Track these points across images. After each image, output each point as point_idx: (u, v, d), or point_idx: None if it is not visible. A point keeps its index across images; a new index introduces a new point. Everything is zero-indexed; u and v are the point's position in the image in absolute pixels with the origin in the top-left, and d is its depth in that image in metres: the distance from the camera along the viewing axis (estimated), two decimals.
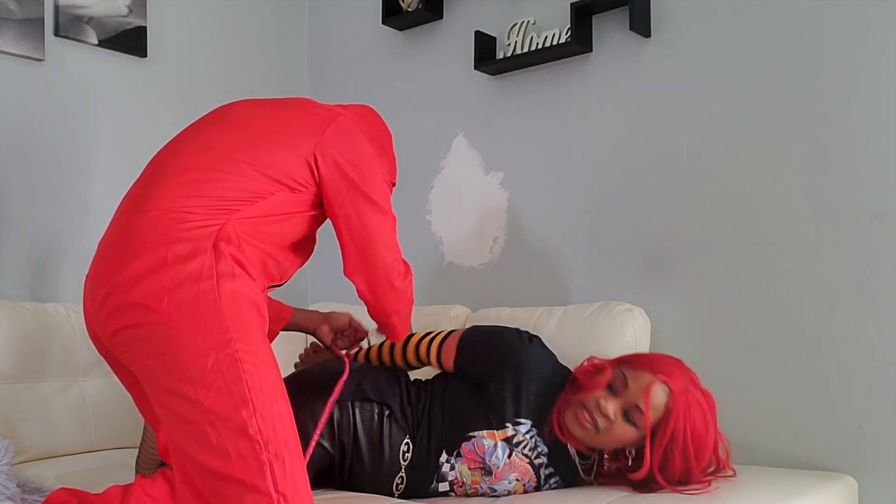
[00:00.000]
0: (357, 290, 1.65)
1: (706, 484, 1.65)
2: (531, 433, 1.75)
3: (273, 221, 1.51)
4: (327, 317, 1.96)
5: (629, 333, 2.15)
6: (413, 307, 1.76)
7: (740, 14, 2.17)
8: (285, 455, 1.33)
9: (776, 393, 2.06)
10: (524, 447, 1.74)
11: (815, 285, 2.03)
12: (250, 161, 1.49)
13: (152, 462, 1.85)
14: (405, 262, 1.68)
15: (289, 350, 2.65)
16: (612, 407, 1.63)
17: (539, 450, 1.76)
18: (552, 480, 1.77)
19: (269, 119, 1.59)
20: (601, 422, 1.63)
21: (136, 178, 1.59)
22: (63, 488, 1.64)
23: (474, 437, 1.74)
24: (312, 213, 1.60)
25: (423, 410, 1.79)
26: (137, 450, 1.91)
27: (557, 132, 2.51)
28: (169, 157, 1.54)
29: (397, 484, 1.77)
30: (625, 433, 1.64)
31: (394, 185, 1.77)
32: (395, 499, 1.75)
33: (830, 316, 2.00)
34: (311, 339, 2.18)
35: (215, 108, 1.68)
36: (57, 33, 2.54)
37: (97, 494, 1.60)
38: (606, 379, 1.66)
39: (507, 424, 1.74)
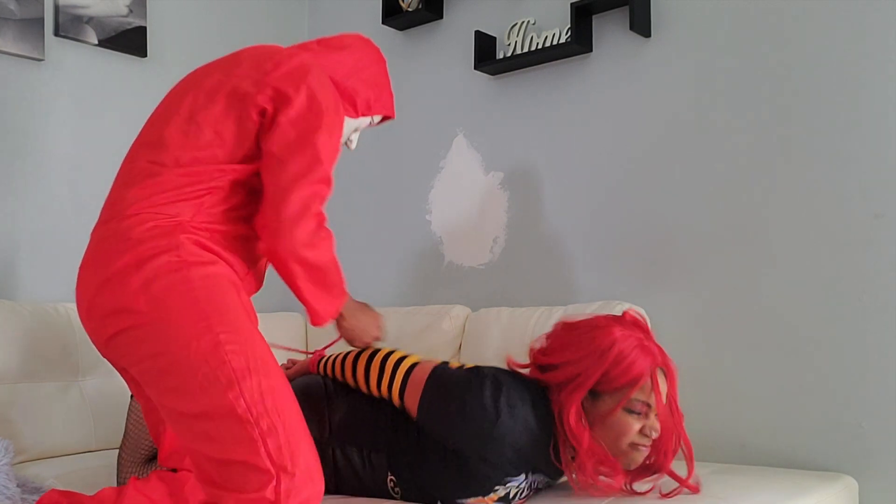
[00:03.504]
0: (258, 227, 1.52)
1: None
2: (528, 480, 1.68)
3: (240, 205, 1.50)
4: None
5: None
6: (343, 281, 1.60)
7: (740, 14, 2.17)
8: (278, 426, 1.34)
9: (776, 393, 2.06)
10: (522, 493, 1.69)
11: (816, 285, 2.02)
12: (191, 155, 1.46)
13: (136, 458, 1.84)
14: (323, 223, 1.54)
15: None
16: (655, 424, 1.61)
17: (543, 482, 1.72)
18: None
19: (207, 97, 1.51)
20: (654, 436, 1.62)
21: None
22: (55, 490, 1.64)
23: (462, 503, 1.66)
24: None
25: (404, 459, 1.70)
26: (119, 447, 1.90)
27: (557, 132, 2.51)
28: (128, 161, 1.54)
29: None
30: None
31: (389, 117, 1.71)
32: (396, 500, 1.75)
33: (831, 315, 2.00)
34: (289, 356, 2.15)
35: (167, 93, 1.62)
36: (57, 33, 2.54)
37: (90, 496, 1.60)
38: (630, 414, 1.61)
39: (497, 488, 1.65)
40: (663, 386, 1.62)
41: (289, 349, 2.02)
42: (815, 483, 1.83)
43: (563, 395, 1.62)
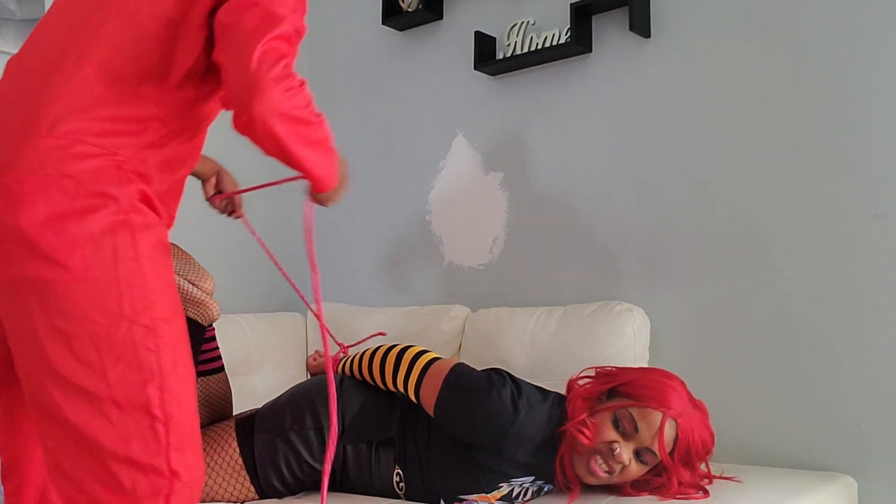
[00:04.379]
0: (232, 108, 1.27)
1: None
2: (535, 484, 1.70)
3: (167, 136, 1.29)
4: (220, 172, 1.77)
5: (629, 333, 2.15)
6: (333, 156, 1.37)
7: (740, 14, 2.17)
8: (184, 432, 1.22)
9: (776, 393, 2.06)
10: (525, 494, 1.70)
11: (815, 285, 2.03)
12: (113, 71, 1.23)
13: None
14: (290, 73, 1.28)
15: (290, 356, 2.66)
16: (626, 453, 1.59)
17: (545, 490, 1.72)
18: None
19: None
20: (617, 468, 1.60)
21: None
22: None
23: (465, 500, 1.67)
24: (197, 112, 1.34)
25: (413, 453, 1.73)
26: None
27: (557, 132, 2.51)
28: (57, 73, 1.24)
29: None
30: (637, 472, 1.63)
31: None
32: (395, 499, 1.75)
33: (830, 316, 2.00)
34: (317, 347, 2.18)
35: None
36: None
37: None
38: (614, 423, 1.62)
39: (502, 485, 1.68)
40: (670, 435, 1.60)
41: (331, 335, 2.05)
42: (814, 483, 1.83)
43: (592, 383, 1.71)
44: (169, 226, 1.35)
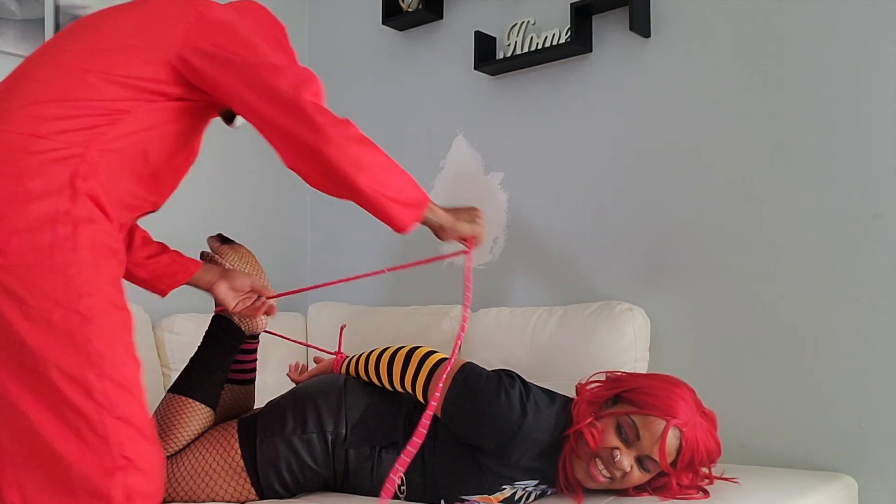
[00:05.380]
0: (305, 177, 1.44)
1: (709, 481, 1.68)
2: (538, 488, 1.69)
3: (137, 143, 1.37)
4: (226, 274, 1.79)
5: (629, 333, 2.15)
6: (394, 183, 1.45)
7: (740, 14, 2.17)
8: (132, 418, 1.25)
9: (776, 393, 2.07)
10: (528, 497, 1.69)
11: (815, 285, 2.03)
12: (100, 71, 1.34)
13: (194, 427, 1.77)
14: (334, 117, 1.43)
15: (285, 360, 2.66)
16: (626, 460, 1.57)
17: (548, 493, 1.72)
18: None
19: (120, 23, 1.42)
20: (617, 474, 1.59)
21: None
22: None
23: (467, 500, 1.67)
24: (180, 123, 1.45)
25: (417, 455, 1.67)
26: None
27: (557, 132, 2.51)
28: (23, 80, 1.37)
29: None
30: (639, 479, 1.61)
31: None
32: (395, 500, 1.75)
33: (830, 316, 2.00)
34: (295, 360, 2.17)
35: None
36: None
37: None
38: (617, 430, 1.60)
39: (505, 487, 1.67)
40: (672, 444, 1.58)
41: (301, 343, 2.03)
42: (814, 483, 1.83)
43: (599, 388, 1.69)
44: (120, 233, 1.38)
